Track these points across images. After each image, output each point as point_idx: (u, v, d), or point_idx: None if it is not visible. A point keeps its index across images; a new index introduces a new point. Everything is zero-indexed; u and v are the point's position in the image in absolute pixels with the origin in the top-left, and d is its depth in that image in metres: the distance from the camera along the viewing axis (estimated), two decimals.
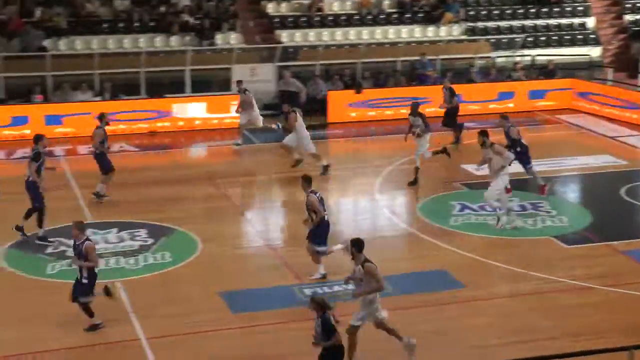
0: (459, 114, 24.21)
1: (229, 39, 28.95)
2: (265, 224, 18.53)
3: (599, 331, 12.91)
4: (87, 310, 12.79)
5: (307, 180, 14.67)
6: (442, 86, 24.59)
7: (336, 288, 14.34)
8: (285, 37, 29.61)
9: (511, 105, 27.86)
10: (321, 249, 14.65)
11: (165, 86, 26.82)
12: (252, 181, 21.49)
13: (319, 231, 14.61)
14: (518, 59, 30.44)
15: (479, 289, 14.55)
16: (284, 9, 30.87)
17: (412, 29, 31.05)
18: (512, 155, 17.45)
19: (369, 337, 12.01)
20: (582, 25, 32.89)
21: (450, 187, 20.10)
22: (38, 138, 16.85)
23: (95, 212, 18.24)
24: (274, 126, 23.38)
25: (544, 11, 32.89)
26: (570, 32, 32.47)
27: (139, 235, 16.83)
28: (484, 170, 17.79)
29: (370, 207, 19.51)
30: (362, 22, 30.89)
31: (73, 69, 26.38)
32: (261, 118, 23.80)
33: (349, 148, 24.89)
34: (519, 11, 32.75)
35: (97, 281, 12.84)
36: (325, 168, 20.84)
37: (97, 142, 18.76)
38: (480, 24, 31.93)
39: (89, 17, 28.37)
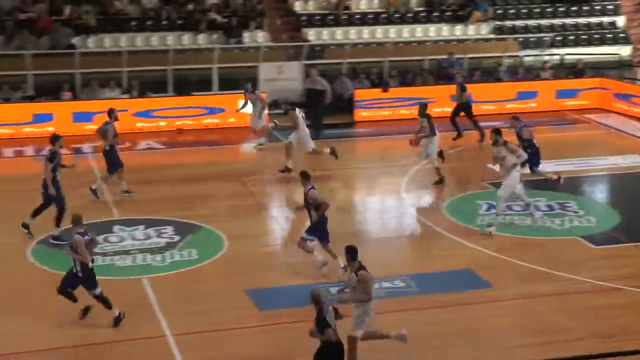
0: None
1: (256, 37, 29.00)
2: (291, 222, 18.54)
3: (627, 332, 12.80)
4: (105, 302, 12.85)
5: (305, 176, 14.78)
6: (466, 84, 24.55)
7: None
8: (312, 35, 29.61)
9: (534, 104, 27.72)
10: (310, 237, 14.63)
11: (193, 84, 26.92)
12: (276, 179, 21.48)
13: (319, 225, 14.60)
14: (546, 58, 30.25)
15: (504, 288, 14.48)
16: (311, 7, 30.89)
17: (440, 28, 30.93)
18: (525, 155, 17.28)
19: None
20: (612, 24, 32.60)
21: (477, 186, 20.01)
22: (55, 138, 16.78)
23: (122, 208, 18.34)
24: (270, 124, 23.31)
25: (573, 10, 32.64)
26: (599, 31, 32.20)
27: (166, 233, 16.91)
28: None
29: (396, 206, 19.48)
30: (389, 21, 30.82)
31: (101, 66, 26.55)
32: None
33: (375, 147, 24.82)
34: (548, 10, 32.53)
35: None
36: (288, 169, 20.66)
37: (110, 137, 18.69)
38: (508, 23, 31.76)
39: (118, 15, 28.55)
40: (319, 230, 14.69)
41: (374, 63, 28.84)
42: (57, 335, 12.73)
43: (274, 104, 27.39)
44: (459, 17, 31.31)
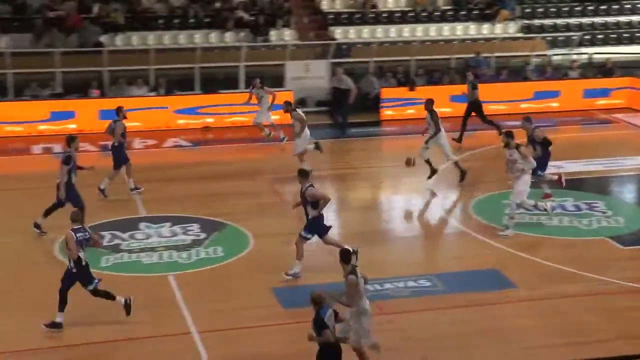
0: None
1: (283, 35, 29.04)
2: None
3: None
4: (104, 296, 12.86)
5: (303, 174, 14.73)
6: (494, 84, 24.39)
7: (387, 286, 14.31)
8: (339, 33, 29.60)
9: (555, 104, 27.55)
10: (308, 235, 14.62)
11: (220, 82, 27.00)
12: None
13: (317, 222, 14.59)
14: (575, 57, 30.04)
15: (530, 289, 14.40)
16: (338, 5, 30.89)
17: (467, 26, 30.82)
18: (534, 163, 16.77)
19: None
20: None
21: (504, 185, 19.87)
22: (71, 139, 16.55)
23: (149, 206, 18.43)
24: (310, 146, 23.21)
25: (602, 9, 32.38)
26: (629, 29, 31.91)
27: (192, 230, 16.97)
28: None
29: (422, 205, 19.42)
30: (416, 19, 30.75)
31: (129, 64, 26.69)
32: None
33: (401, 145, 24.74)
34: (577, 8, 32.30)
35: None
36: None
37: (118, 135, 18.69)
38: (536, 22, 31.57)
39: (145, 13, 28.70)
40: (316, 226, 14.65)
41: (401, 62, 28.77)
42: (86, 330, 12.80)
43: (300, 103, 27.44)
44: (487, 16, 31.17)
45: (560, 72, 29.54)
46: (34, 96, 25.61)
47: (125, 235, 16.60)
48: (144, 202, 18.68)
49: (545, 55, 30.16)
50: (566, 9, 32.23)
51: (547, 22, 31.68)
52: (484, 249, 16.23)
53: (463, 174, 19.79)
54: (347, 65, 27.75)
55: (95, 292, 12.92)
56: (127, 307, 12.99)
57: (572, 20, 31.86)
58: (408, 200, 19.69)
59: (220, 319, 13.22)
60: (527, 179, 16.66)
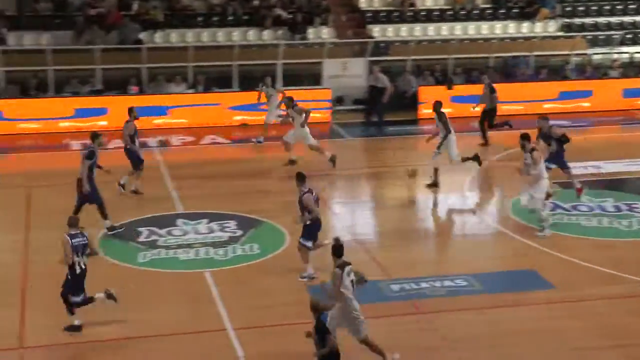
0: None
1: (321, 33, 29.03)
2: (353, 218, 18.53)
3: None
4: (76, 305, 12.57)
5: (300, 178, 14.52)
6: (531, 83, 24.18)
7: (423, 285, 14.24)
8: (377, 32, 29.53)
9: (587, 104, 27.26)
10: (307, 243, 14.48)
11: (258, 79, 27.05)
12: (339, 175, 21.48)
13: (311, 229, 14.49)
14: (615, 56, 29.68)
15: (570, 290, 14.23)
16: (376, 3, 30.81)
17: (506, 25, 30.59)
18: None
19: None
20: None
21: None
22: (95, 135, 16.71)
23: (187, 202, 18.52)
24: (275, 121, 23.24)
25: None
26: None
27: (229, 227, 17.02)
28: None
29: (460, 204, 19.31)
30: (455, 18, 30.59)
31: (168, 61, 26.84)
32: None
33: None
34: (618, 7, 31.91)
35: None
36: (292, 162, 20.57)
37: (127, 135, 18.62)
38: (577, 20, 31.23)
39: (184, 11, 28.85)
40: (312, 234, 14.56)
41: (439, 60, 28.64)
42: (121, 326, 12.90)
43: (337, 101, 27.44)
44: (526, 14, 30.92)
45: (600, 71, 29.21)
46: (75, 93, 25.85)
47: (163, 232, 16.70)
48: (181, 199, 18.77)
49: (585, 54, 29.85)
50: (607, 7, 31.85)
51: (588, 20, 31.34)
52: (521, 249, 16.08)
53: (434, 184, 19.42)
54: (385, 63, 27.70)
55: (77, 305, 12.57)
56: (111, 296, 12.74)
57: (614, 19, 31.48)
58: (445, 200, 19.58)
59: (256, 316, 13.24)
60: (545, 183, 16.46)
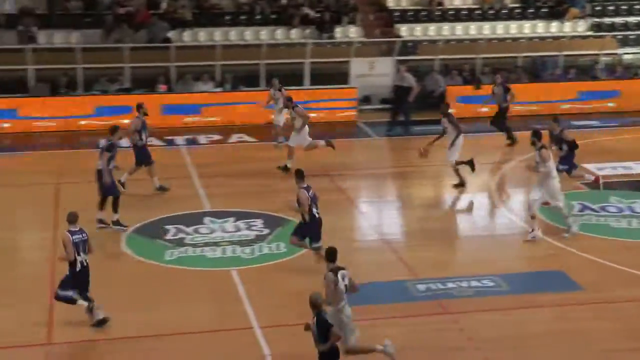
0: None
1: (349, 32, 29.01)
2: (380, 218, 18.51)
3: None
4: (66, 301, 12.56)
5: (299, 175, 14.71)
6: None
7: (450, 285, 14.19)
8: (405, 31, 29.46)
9: (611, 104, 27.01)
10: (316, 244, 14.62)
11: (285, 78, 27.08)
12: (366, 175, 21.48)
13: (308, 228, 14.55)
14: None
15: (598, 291, 14.12)
16: (404, 2, 30.73)
17: (535, 25, 30.39)
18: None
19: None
20: None
21: (571, 186, 19.58)
22: (114, 129, 16.99)
23: (214, 200, 18.59)
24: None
25: None
26: None
27: (255, 225, 17.05)
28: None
29: (487, 204, 19.23)
30: (483, 17, 30.43)
31: (196, 60, 26.96)
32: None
33: (466, 144, 24.49)
34: None
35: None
36: (285, 168, 20.37)
37: (132, 131, 18.61)
38: (607, 20, 30.98)
39: (213, 10, 28.95)
40: (309, 230, 14.61)
41: (467, 60, 28.52)
42: (147, 323, 12.97)
43: (364, 100, 27.41)
44: (555, 14, 30.70)
45: (631, 71, 28.96)
46: (104, 91, 26.01)
47: (190, 230, 16.77)
48: (208, 197, 18.84)
49: (615, 54, 29.59)
50: (638, 6, 31.54)
51: (618, 20, 31.07)
52: (549, 250, 15.99)
53: (461, 183, 19.39)
54: (412, 62, 27.62)
55: (72, 301, 12.58)
56: (90, 307, 12.61)
57: None
58: (472, 199, 19.50)
59: (282, 314, 13.26)
60: (554, 183, 16.27)
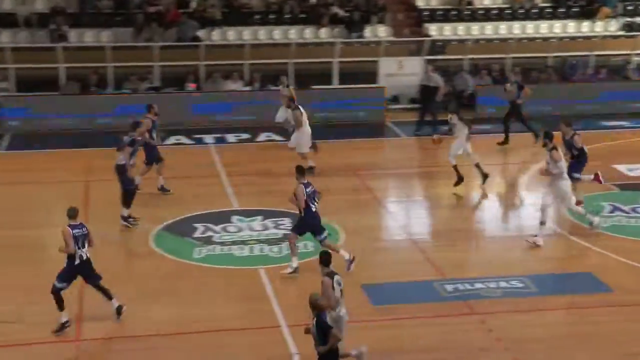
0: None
1: (378, 31, 28.97)
2: (408, 218, 18.47)
3: None
4: (57, 301, 12.58)
5: (299, 171, 14.84)
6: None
7: (478, 285, 14.14)
8: (434, 30, 29.36)
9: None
10: (321, 236, 14.68)
11: (313, 77, 27.11)
12: (395, 174, 21.43)
13: (306, 223, 14.57)
14: None
15: (628, 293, 14.00)
16: (433, 2, 30.62)
17: (566, 24, 30.16)
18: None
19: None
20: None
21: (602, 186, 19.41)
22: (136, 124, 17.25)
23: (242, 199, 18.64)
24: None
25: None
26: None
27: (283, 224, 17.07)
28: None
29: (516, 204, 19.12)
30: (513, 17, 30.24)
31: (225, 58, 27.06)
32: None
33: (494, 144, 24.42)
34: None
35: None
36: (311, 169, 20.12)
37: (143, 131, 18.47)
38: (638, 19, 30.67)
39: (242, 9, 29.03)
40: (309, 225, 14.64)
41: (496, 60, 28.38)
42: (174, 320, 13.03)
43: (393, 100, 27.35)
44: (587, 13, 30.45)
45: None
46: (134, 90, 26.17)
47: (218, 228, 16.83)
48: (236, 195, 18.90)
49: None
50: None
51: None
52: (578, 251, 15.89)
53: (459, 180, 19.27)
54: (441, 62, 27.52)
55: (98, 287, 12.80)
56: (62, 327, 12.59)
57: None
58: (499, 200, 19.40)
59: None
60: (567, 183, 16.16)
